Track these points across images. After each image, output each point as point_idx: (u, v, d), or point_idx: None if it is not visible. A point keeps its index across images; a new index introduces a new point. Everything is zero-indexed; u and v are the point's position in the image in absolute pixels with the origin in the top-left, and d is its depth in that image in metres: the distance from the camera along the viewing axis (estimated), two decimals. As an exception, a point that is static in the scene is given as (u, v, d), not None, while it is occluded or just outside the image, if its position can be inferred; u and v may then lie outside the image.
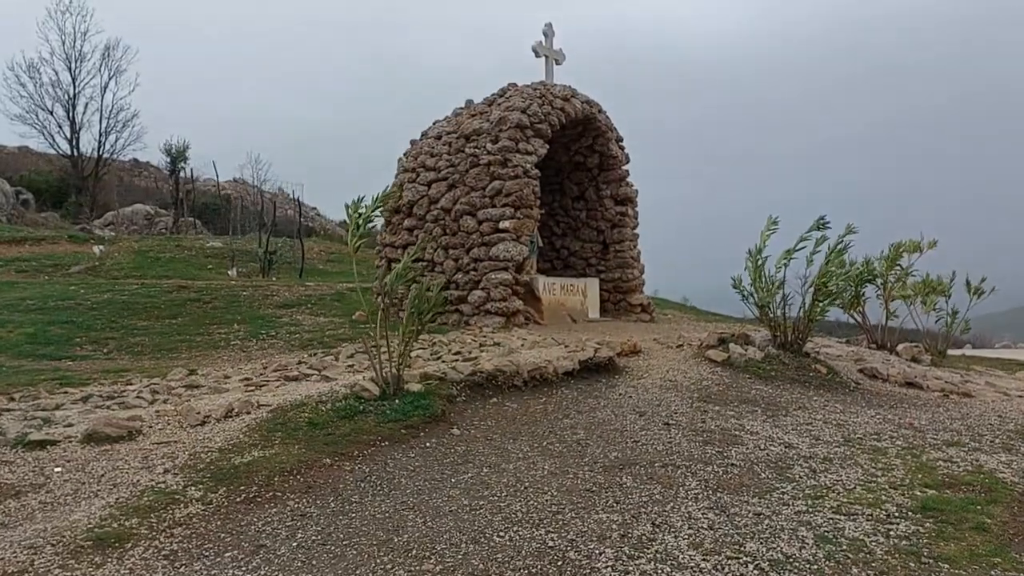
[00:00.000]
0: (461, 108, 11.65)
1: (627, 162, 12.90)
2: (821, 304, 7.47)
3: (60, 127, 34.18)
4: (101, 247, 21.01)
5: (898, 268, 9.51)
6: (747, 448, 4.98)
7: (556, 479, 4.50)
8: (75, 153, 34.69)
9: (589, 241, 13.24)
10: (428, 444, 5.31)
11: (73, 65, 34.24)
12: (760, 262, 7.42)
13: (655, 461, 4.75)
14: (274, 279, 19.15)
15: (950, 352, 13.40)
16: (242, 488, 4.47)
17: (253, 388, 7.01)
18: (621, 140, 12.76)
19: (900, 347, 10.18)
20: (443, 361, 7.64)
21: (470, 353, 7.97)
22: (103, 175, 36.40)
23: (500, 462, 4.88)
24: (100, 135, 34.99)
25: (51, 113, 33.86)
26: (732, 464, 4.68)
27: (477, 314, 10.08)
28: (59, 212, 33.08)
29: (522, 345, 8.27)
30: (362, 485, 4.55)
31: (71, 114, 34.43)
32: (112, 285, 15.28)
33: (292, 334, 10.51)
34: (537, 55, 11.71)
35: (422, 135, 11.77)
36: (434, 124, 11.78)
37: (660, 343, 8.64)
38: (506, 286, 9.94)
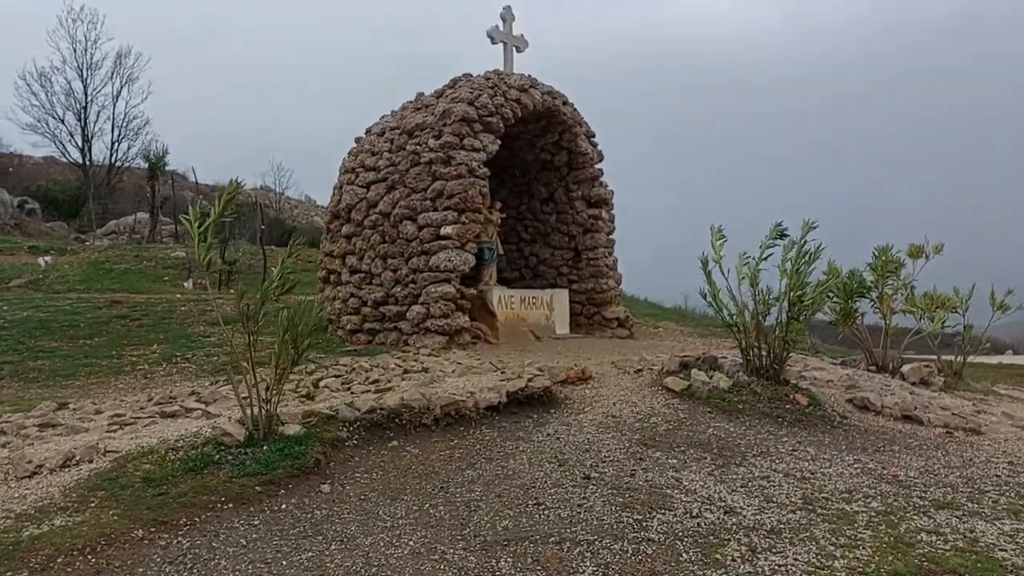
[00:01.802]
0: (410, 101, 10.78)
1: (600, 160, 11.99)
2: (797, 322, 6.52)
3: (72, 136, 34.75)
4: (47, 259, 20.28)
5: (893, 278, 8.52)
6: (675, 514, 4.05)
7: (415, 562, 3.60)
8: (87, 162, 35.17)
9: (559, 248, 12.32)
10: (283, 507, 4.41)
11: (84, 73, 34.73)
12: (712, 273, 6.50)
13: (552, 534, 3.83)
14: (232, 291, 18.32)
15: (982, 360, 12.35)
16: (8, 574, 3.59)
17: (117, 427, 6.15)
18: (593, 135, 11.85)
19: (906, 368, 9.19)
20: (352, 392, 6.75)
21: (388, 382, 7.08)
22: (116, 183, 36.76)
23: (359, 534, 3.98)
24: (112, 143, 35.57)
25: (62, 122, 34.36)
26: (649, 539, 3.75)
27: (417, 332, 9.17)
28: (73, 221, 33.43)
29: (453, 371, 7.37)
30: (167, 569, 3.66)
31: (83, 122, 34.90)
32: (44, 300, 14.49)
33: (210, 356, 9.66)
34: (494, 41, 10.82)
35: (366, 131, 10.92)
36: (380, 119, 10.92)
37: (618, 367, 7.71)
38: (448, 300, 9.03)
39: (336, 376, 7.48)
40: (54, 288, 17.45)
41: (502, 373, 7.14)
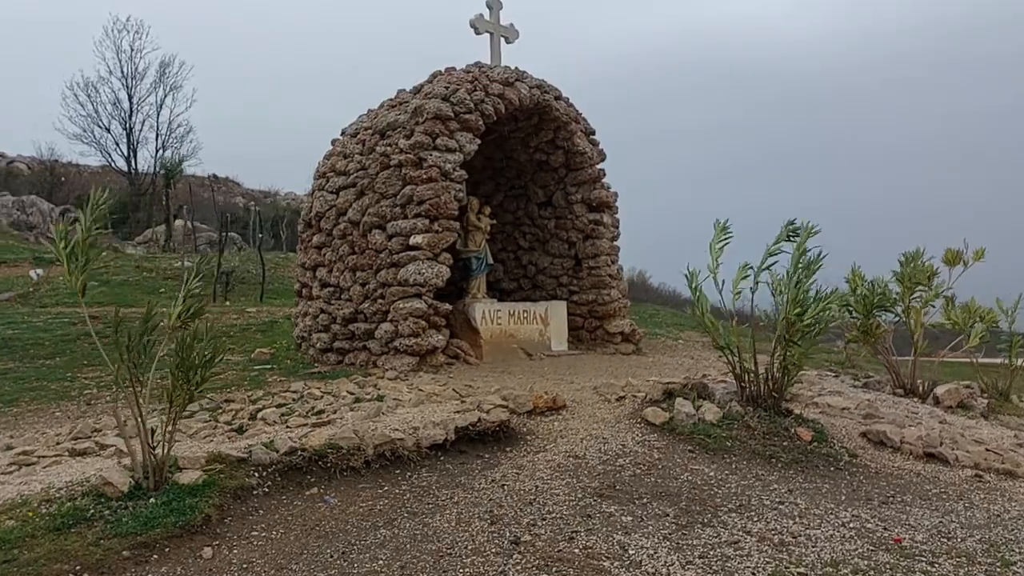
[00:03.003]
0: (389, 99, 10.19)
1: (601, 160, 11.26)
2: (797, 346, 5.74)
3: (117, 144, 36.22)
4: (39, 271, 20.16)
5: (924, 288, 7.67)
6: (605, 600, 3.34)
7: (262, 666, 2.95)
8: (132, 170, 36.58)
9: (559, 256, 11.62)
10: (146, 579, 3.80)
11: (129, 83, 36.07)
12: (699, 286, 5.77)
13: (443, 627, 3.16)
14: (228, 303, 18.00)
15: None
16: None
17: (16, 468, 5.63)
18: (592, 133, 11.13)
19: (941, 390, 8.29)
20: (288, 425, 6.16)
21: (334, 412, 6.48)
22: (158, 190, 38.24)
23: (216, 620, 3.35)
24: (156, 151, 37.02)
25: (108, 131, 35.67)
26: (562, 637, 3.06)
27: (386, 352, 8.54)
28: (121, 229, 34.94)
29: (411, 399, 6.73)
30: (-33, 668, 3.07)
31: (128, 131, 36.22)
32: (22, 316, 14.22)
33: (165, 378, 9.11)
34: (478, 31, 10.17)
35: (342, 132, 10.36)
36: (357, 118, 10.35)
37: (599, 394, 7.00)
38: (418, 317, 8.37)
39: (281, 405, 6.89)
40: (42, 302, 17.25)
41: (462, 402, 6.48)
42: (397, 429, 5.62)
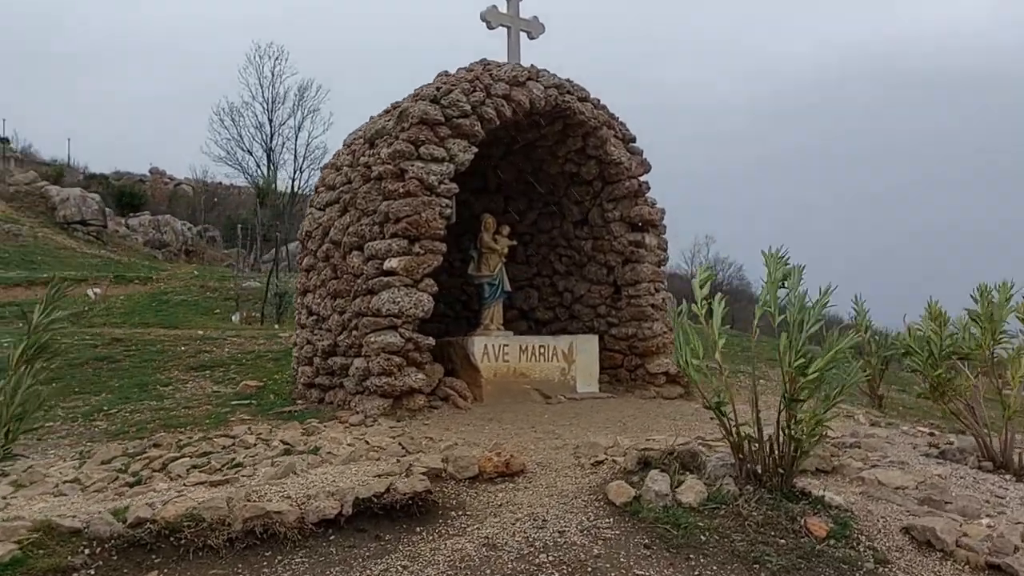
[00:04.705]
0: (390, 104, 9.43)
1: (644, 171, 10.08)
2: (796, 403, 4.48)
3: (259, 166, 39.01)
4: (96, 290, 20.64)
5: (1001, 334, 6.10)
6: None
7: None
8: (269, 190, 39.49)
9: (597, 282, 10.49)
10: None
11: (270, 107, 38.66)
12: (684, 326, 4.60)
13: None
14: (276, 327, 17.78)
15: None
16: None
17: None
18: (632, 140, 9.98)
19: (1048, 460, 6.65)
20: (186, 482, 5.39)
21: (253, 466, 5.68)
22: (296, 211, 40.92)
23: None
24: (294, 172, 39.49)
25: (250, 153, 38.45)
26: None
27: (360, 392, 7.68)
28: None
29: (347, 453, 5.83)
30: None
31: (268, 153, 38.90)
32: (59, 337, 14.29)
33: (135, 412, 8.63)
34: (491, 26, 9.26)
35: (343, 143, 9.67)
36: (358, 127, 9.64)
37: (577, 456, 5.87)
38: (392, 353, 7.45)
39: (205, 454, 6.16)
40: (92, 322, 17.55)
41: (397, 461, 5.53)
42: (289, 497, 4.74)
